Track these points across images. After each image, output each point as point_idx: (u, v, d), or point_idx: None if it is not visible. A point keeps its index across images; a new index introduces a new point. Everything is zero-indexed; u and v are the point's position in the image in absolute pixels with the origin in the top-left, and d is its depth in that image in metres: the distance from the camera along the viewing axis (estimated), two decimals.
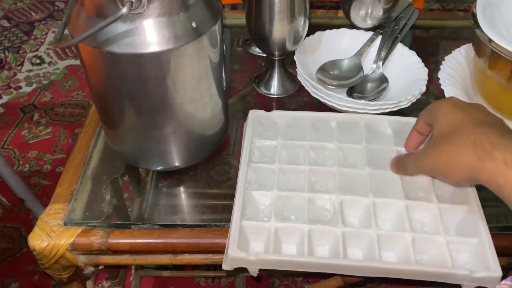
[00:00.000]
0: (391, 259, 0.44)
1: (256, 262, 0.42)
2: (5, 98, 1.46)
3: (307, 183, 0.48)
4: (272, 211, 0.46)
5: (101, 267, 0.55)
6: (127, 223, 0.50)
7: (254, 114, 0.55)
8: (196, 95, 0.48)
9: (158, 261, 0.51)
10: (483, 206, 0.46)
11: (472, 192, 0.46)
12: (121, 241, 0.48)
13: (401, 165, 0.48)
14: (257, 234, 0.45)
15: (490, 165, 0.37)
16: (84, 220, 0.50)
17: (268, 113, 0.55)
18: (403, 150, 0.51)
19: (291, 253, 0.45)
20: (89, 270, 0.60)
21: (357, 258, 0.44)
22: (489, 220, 0.49)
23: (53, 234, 0.48)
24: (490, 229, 0.48)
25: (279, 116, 0.55)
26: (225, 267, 0.43)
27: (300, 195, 0.47)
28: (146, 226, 0.49)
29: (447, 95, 0.57)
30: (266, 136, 0.53)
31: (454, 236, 0.44)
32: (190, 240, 0.48)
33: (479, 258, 0.42)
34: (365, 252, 0.44)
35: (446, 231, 0.44)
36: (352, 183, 0.49)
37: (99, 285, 0.99)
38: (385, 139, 0.53)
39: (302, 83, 0.60)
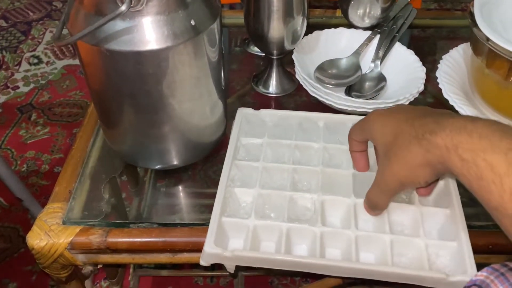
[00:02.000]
0: (370, 260, 0.44)
1: (232, 259, 0.42)
2: (2, 98, 1.45)
3: (290, 182, 0.49)
4: (252, 209, 0.46)
5: (99, 266, 0.55)
6: (126, 222, 0.50)
7: (242, 112, 0.56)
8: (195, 93, 0.48)
9: (157, 260, 0.51)
10: (480, 205, 0.46)
11: (455, 196, 0.46)
12: (120, 240, 0.48)
13: (372, 204, 0.45)
14: (236, 231, 0.45)
15: (438, 154, 0.36)
16: (82, 219, 0.50)
17: (256, 112, 0.56)
18: None
19: (269, 250, 0.45)
20: (88, 269, 0.60)
21: (334, 258, 0.44)
22: (486, 219, 0.50)
23: (51, 233, 0.48)
24: (487, 227, 0.48)
25: (267, 114, 0.55)
26: (202, 262, 0.44)
27: (281, 194, 0.47)
28: (145, 225, 0.49)
29: (444, 93, 0.58)
30: (253, 134, 0.54)
31: (434, 240, 0.44)
32: (189, 239, 0.48)
33: (457, 262, 0.42)
34: (344, 253, 0.44)
35: (426, 234, 0.44)
36: (335, 183, 0.49)
37: (97, 285, 0.98)
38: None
39: (301, 82, 0.61)
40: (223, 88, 0.54)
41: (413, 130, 0.39)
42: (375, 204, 0.45)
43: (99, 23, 0.39)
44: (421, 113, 0.40)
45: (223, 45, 0.52)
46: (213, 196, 0.47)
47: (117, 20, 0.41)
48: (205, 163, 0.57)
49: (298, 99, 0.65)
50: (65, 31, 0.45)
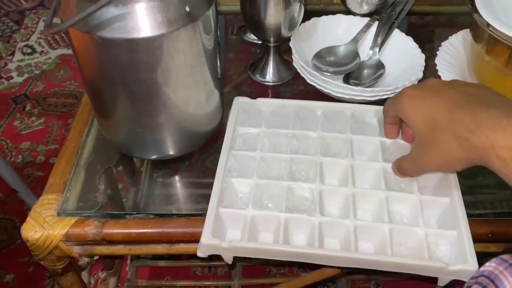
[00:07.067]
0: (369, 250, 0.44)
1: (230, 250, 0.42)
2: None
3: (288, 171, 0.48)
4: (250, 199, 0.45)
5: (96, 257, 0.55)
6: (121, 213, 0.49)
7: (239, 101, 0.55)
8: (190, 82, 0.47)
9: (154, 251, 0.50)
10: (479, 193, 0.45)
11: (455, 185, 0.46)
12: (115, 231, 0.47)
13: (403, 173, 0.47)
14: (234, 222, 0.45)
15: (477, 154, 0.37)
16: (77, 210, 0.49)
17: (253, 101, 0.55)
18: (387, 141, 0.50)
19: (267, 241, 0.45)
20: (84, 261, 0.59)
21: (333, 248, 0.44)
22: (484, 207, 0.49)
23: (46, 225, 0.47)
24: (486, 215, 0.48)
25: (264, 103, 0.55)
26: (199, 254, 0.43)
27: (279, 184, 0.47)
28: (141, 215, 0.48)
29: None
30: (250, 123, 0.53)
31: (433, 229, 0.43)
32: (186, 230, 0.47)
33: (457, 251, 0.42)
34: (342, 243, 0.44)
35: (426, 223, 0.44)
36: (333, 172, 0.48)
37: (95, 276, 0.98)
38: (370, 129, 0.52)
39: (298, 70, 0.60)
40: (219, 76, 0.53)
41: (450, 125, 0.39)
42: (406, 174, 0.47)
43: (91, 9, 0.38)
44: (456, 99, 0.40)
45: (219, 33, 0.51)
46: (210, 186, 0.46)
47: (110, 7, 0.40)
48: (202, 153, 0.56)
49: (295, 87, 0.64)
50: (57, 20, 0.44)
